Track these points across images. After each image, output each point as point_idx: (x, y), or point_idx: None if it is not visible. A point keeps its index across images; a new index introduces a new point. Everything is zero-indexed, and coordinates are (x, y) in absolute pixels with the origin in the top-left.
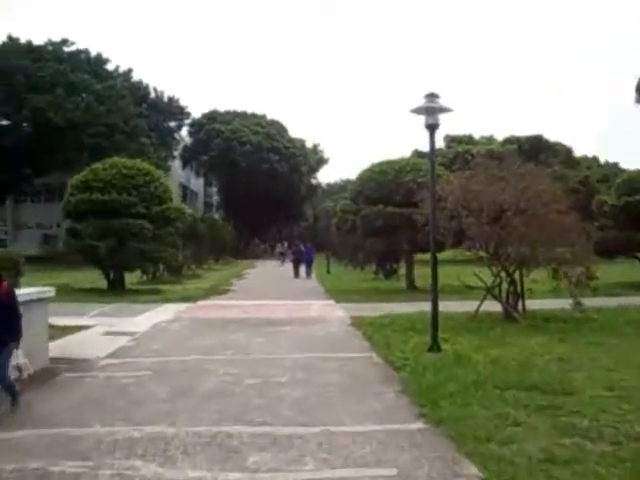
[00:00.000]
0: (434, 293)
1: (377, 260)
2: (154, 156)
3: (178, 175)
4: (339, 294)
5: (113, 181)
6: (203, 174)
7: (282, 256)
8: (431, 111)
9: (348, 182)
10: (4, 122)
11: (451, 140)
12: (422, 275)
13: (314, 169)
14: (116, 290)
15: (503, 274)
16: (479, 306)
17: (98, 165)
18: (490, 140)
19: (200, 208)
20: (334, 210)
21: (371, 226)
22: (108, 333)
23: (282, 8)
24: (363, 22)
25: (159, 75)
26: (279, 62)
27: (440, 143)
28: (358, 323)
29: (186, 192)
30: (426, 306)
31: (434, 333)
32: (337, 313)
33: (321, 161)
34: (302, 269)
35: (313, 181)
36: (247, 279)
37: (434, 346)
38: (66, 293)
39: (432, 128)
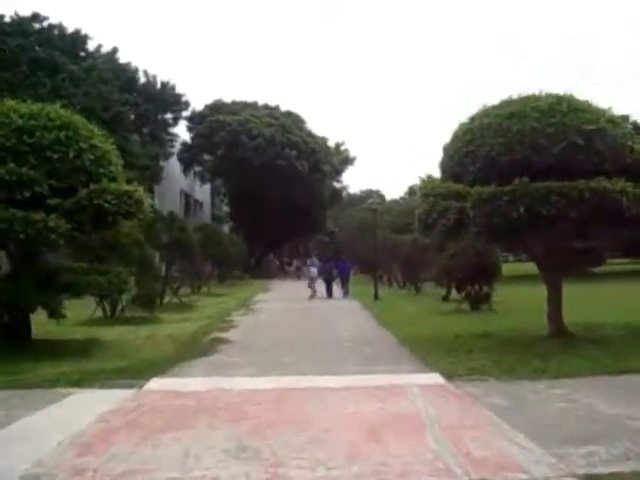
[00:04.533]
0: None
1: (458, 280)
2: (142, 153)
3: (179, 181)
4: (430, 349)
5: None
6: (209, 180)
7: (298, 271)
8: None
9: (371, 192)
10: None
11: None
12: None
13: (338, 171)
14: (11, 346)
15: None
16: None
17: None
18: None
19: (207, 222)
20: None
21: (510, 217)
22: None
23: None
24: (386, 17)
25: (154, 62)
26: (295, 54)
27: None
28: None
29: (189, 201)
30: None
31: None
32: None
33: (346, 161)
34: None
35: (337, 185)
36: (257, 311)
37: None
38: None
39: None
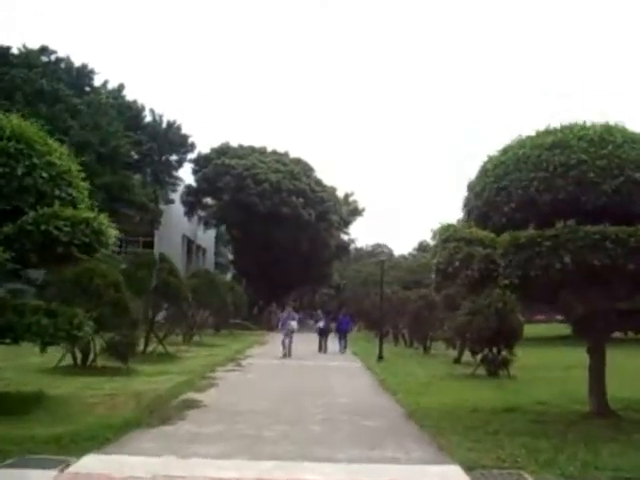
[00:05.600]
0: None
1: (473, 341)
2: (141, 193)
3: (181, 225)
4: (445, 427)
5: None
6: (213, 225)
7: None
8: None
9: (379, 247)
10: None
11: None
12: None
13: (346, 222)
14: None
15: None
16: None
17: None
18: None
19: (210, 269)
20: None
21: (552, 268)
22: None
23: (313, 36)
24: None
25: (162, 102)
26: (306, 102)
27: None
28: None
29: (191, 247)
30: None
31: None
32: None
33: (355, 212)
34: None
35: (344, 236)
36: (246, 367)
37: None
38: None
39: None
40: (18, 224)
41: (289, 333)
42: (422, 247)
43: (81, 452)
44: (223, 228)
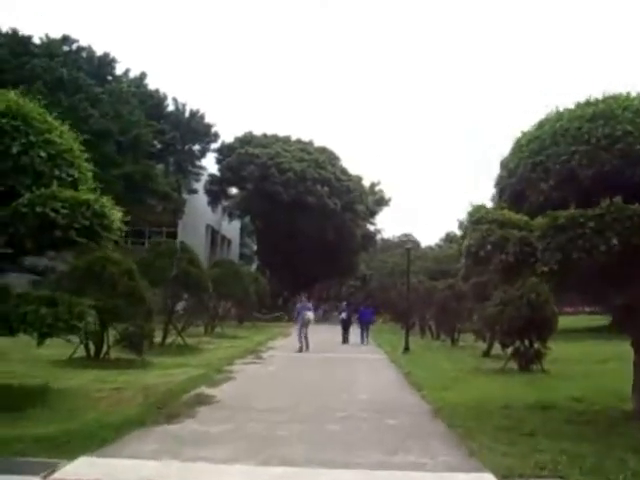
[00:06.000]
0: None
1: (504, 333)
2: (164, 183)
3: (205, 216)
4: (475, 427)
5: None
6: (238, 216)
7: (325, 314)
8: None
9: (404, 236)
10: None
11: None
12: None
13: (372, 212)
14: None
15: None
16: None
17: None
18: None
19: (234, 260)
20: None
21: (597, 251)
22: None
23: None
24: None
25: (185, 91)
26: (333, 91)
27: None
28: None
29: (215, 238)
30: None
31: None
32: None
33: (381, 202)
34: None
35: (370, 227)
36: (266, 360)
37: None
38: None
39: None
40: (12, 206)
41: (305, 324)
42: (449, 238)
43: (74, 454)
44: (248, 219)
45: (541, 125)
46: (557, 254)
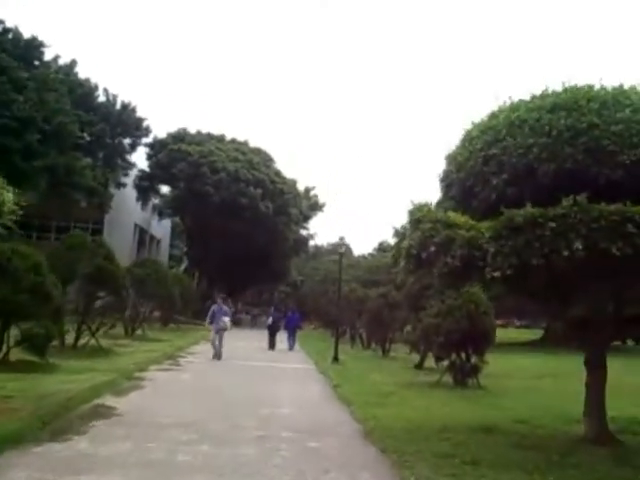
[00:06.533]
0: None
1: (440, 346)
2: (90, 176)
3: (133, 214)
4: (411, 452)
5: None
6: (168, 215)
7: (253, 319)
8: None
9: (338, 245)
10: None
11: None
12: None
13: (305, 217)
14: None
15: None
16: None
17: None
18: None
19: (164, 262)
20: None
21: (558, 256)
22: None
23: (282, 17)
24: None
25: (117, 84)
26: (268, 91)
27: None
28: None
29: (144, 237)
30: None
31: None
32: None
33: (315, 207)
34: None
35: (303, 232)
36: (183, 366)
37: None
38: None
39: None
40: None
41: (220, 331)
42: (382, 247)
43: None
44: (178, 219)
45: (494, 116)
46: (512, 258)
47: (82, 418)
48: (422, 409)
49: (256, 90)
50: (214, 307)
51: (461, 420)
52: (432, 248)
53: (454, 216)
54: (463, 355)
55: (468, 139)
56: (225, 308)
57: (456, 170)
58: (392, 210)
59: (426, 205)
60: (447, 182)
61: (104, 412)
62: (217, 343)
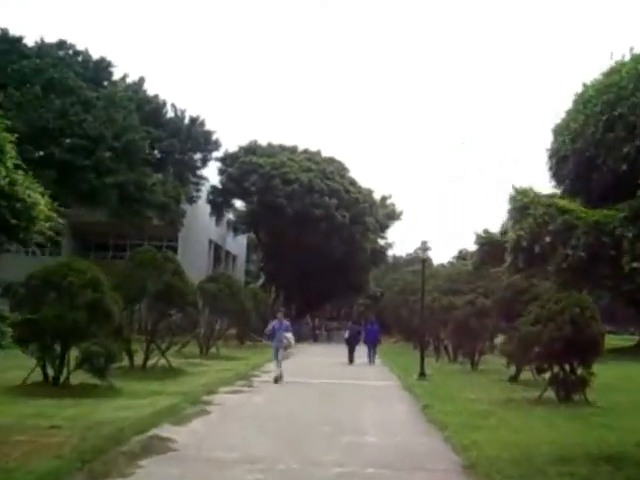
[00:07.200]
0: None
1: (539, 356)
2: (160, 192)
3: (208, 230)
4: None
5: None
6: (243, 231)
7: (329, 333)
8: None
9: (421, 250)
10: None
11: None
12: None
13: (382, 226)
14: None
15: None
16: None
17: None
18: None
19: (240, 278)
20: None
21: None
22: None
23: (349, 36)
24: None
25: (186, 100)
26: (340, 101)
27: None
28: None
29: (219, 253)
30: None
31: None
32: None
33: (392, 216)
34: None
35: (381, 241)
36: (257, 387)
37: None
38: None
39: None
40: None
41: (283, 348)
42: (462, 255)
43: None
44: (254, 234)
45: (614, 70)
46: None
47: (130, 455)
48: (527, 432)
49: (329, 100)
50: (274, 323)
51: (576, 446)
52: (547, 238)
53: (565, 203)
54: (567, 367)
55: (583, 101)
56: (286, 323)
57: (571, 141)
58: (469, 218)
59: (531, 190)
60: (558, 158)
61: (158, 446)
62: (279, 361)
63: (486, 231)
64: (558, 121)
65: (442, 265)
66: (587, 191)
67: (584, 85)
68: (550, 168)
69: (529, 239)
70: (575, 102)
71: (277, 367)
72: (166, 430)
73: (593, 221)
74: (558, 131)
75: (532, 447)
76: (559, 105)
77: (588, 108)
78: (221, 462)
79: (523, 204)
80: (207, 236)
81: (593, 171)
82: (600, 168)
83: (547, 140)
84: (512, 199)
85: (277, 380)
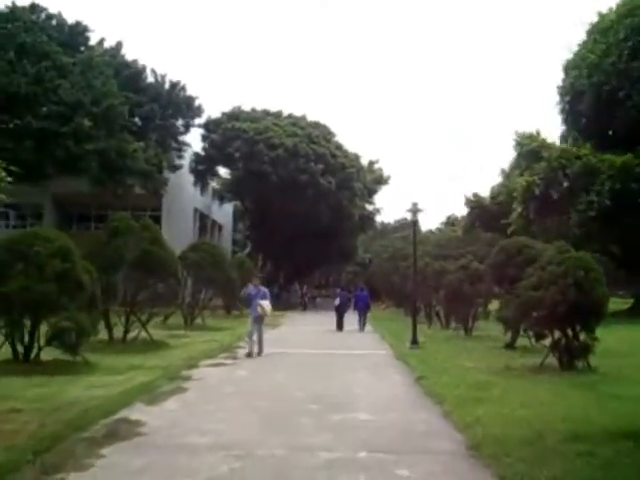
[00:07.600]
0: None
1: (540, 321)
2: (141, 159)
3: (193, 199)
4: None
5: None
6: (229, 200)
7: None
8: None
9: (405, 222)
10: None
11: None
12: None
13: (370, 191)
14: None
15: None
16: None
17: None
18: None
19: (227, 247)
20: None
21: None
22: None
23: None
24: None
25: (166, 66)
26: (324, 64)
27: None
28: None
29: (205, 223)
30: None
31: None
32: None
33: (380, 180)
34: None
35: (369, 207)
36: (240, 359)
37: None
38: None
39: None
40: None
41: (258, 320)
42: (450, 221)
43: None
44: (240, 202)
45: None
46: None
47: (92, 442)
48: (534, 405)
49: (313, 64)
50: (249, 289)
51: (590, 421)
52: (565, 183)
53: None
54: (569, 332)
55: (599, 31)
56: (264, 289)
57: (587, 75)
58: (457, 185)
59: (538, 134)
60: (573, 94)
61: (124, 431)
62: (254, 336)
63: (476, 195)
64: (570, 56)
65: (431, 231)
66: (604, 133)
67: (600, 14)
68: (562, 109)
69: (543, 185)
70: (589, 33)
71: (249, 340)
72: (137, 411)
73: (620, 163)
74: (570, 66)
75: (542, 423)
76: (569, 39)
77: (609, 36)
78: (193, 448)
79: (532, 148)
80: (192, 205)
81: (613, 106)
82: (623, 102)
83: (554, 82)
84: (519, 144)
85: (251, 354)
